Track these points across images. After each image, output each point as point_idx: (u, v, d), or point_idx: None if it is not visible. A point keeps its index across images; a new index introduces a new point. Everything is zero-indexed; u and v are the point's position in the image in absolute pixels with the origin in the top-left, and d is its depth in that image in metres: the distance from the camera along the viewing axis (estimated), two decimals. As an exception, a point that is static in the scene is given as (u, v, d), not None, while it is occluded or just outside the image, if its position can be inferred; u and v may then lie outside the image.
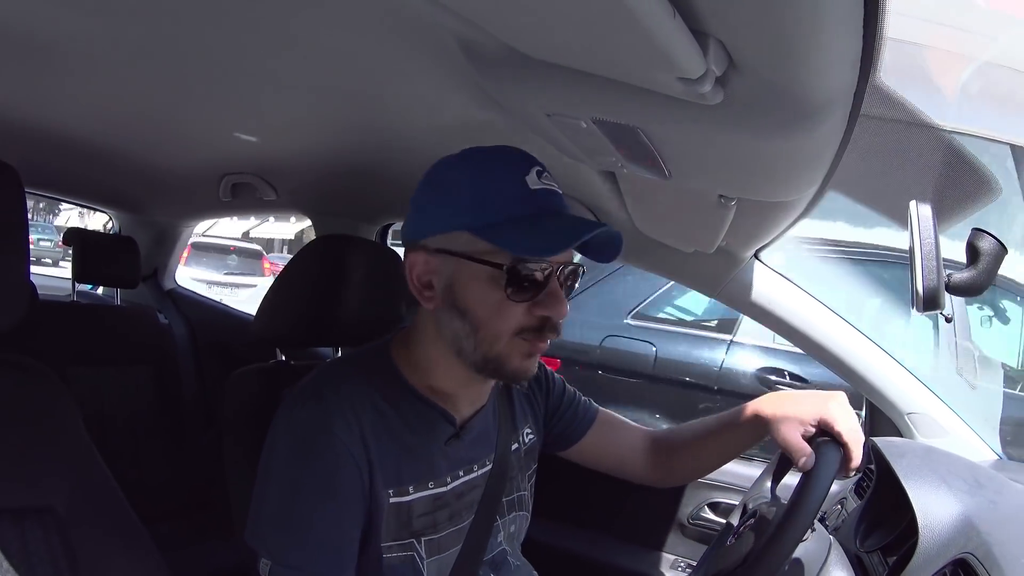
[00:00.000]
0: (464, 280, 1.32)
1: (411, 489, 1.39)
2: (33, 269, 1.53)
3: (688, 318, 5.54)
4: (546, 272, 1.31)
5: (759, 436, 1.67)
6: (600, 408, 1.85)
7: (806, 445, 1.46)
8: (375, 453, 1.34)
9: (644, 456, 1.83)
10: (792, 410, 1.54)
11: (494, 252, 1.28)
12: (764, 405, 1.62)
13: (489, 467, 1.55)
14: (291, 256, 1.88)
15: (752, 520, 1.55)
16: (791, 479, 1.58)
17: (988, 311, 5.12)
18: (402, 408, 1.41)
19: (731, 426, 1.72)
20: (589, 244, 1.34)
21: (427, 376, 1.44)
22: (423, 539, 1.42)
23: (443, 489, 1.45)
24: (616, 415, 1.87)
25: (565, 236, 1.28)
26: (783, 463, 1.66)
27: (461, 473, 1.49)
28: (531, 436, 1.70)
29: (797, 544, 1.33)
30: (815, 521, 1.42)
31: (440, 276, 1.34)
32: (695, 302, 5.45)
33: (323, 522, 1.28)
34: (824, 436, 1.47)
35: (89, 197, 3.52)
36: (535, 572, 1.68)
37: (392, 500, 1.37)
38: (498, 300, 1.30)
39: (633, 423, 1.88)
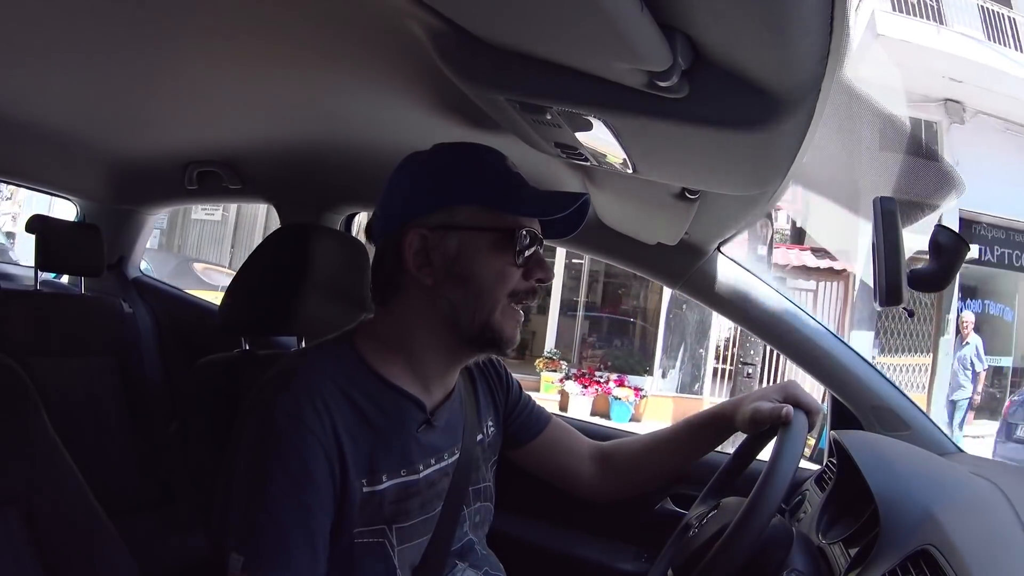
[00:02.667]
0: (469, 250, 1.42)
1: (384, 477, 1.40)
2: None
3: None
4: (537, 239, 1.47)
5: (718, 439, 1.77)
6: (552, 415, 1.90)
7: (779, 405, 1.55)
8: (347, 442, 1.34)
9: (590, 466, 1.87)
10: (756, 395, 1.65)
11: (498, 222, 1.43)
12: (722, 407, 1.76)
13: (457, 456, 1.56)
14: None
15: (715, 511, 1.56)
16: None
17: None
18: (373, 396, 1.42)
19: (687, 433, 1.80)
20: (553, 222, 1.46)
21: (404, 360, 1.47)
22: (394, 526, 1.42)
23: (415, 477, 1.45)
24: (567, 424, 1.92)
25: (560, 200, 1.44)
26: (742, 456, 1.68)
27: (432, 461, 1.50)
28: (492, 429, 1.73)
29: (780, 500, 1.34)
30: (777, 515, 1.43)
31: (440, 250, 1.42)
32: None
33: (295, 513, 1.28)
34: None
35: (53, 184, 3.48)
36: (500, 564, 1.68)
37: (365, 489, 1.37)
38: (501, 266, 1.43)
39: (582, 435, 1.93)
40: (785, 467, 1.37)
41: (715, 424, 1.74)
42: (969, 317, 10.92)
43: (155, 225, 3.59)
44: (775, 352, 2.53)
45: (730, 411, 1.70)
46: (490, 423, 1.72)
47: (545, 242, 1.51)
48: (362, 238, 1.77)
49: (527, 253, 1.44)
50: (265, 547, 1.26)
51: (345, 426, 1.35)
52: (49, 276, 3.45)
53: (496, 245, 1.42)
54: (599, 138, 1.28)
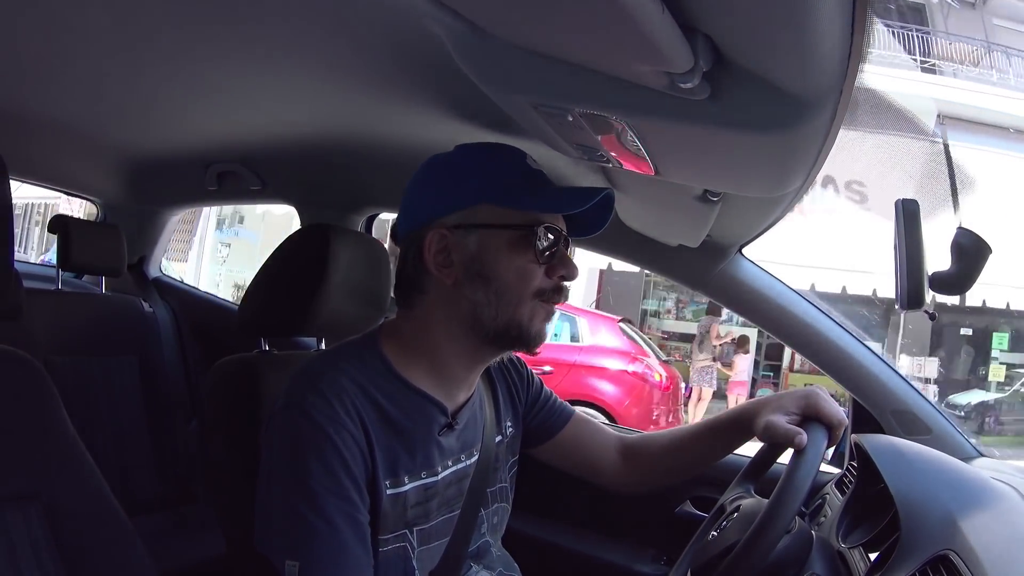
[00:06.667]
0: (489, 248, 1.42)
1: (406, 480, 1.41)
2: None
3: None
4: (560, 236, 1.46)
5: (740, 439, 1.75)
6: (575, 409, 1.88)
7: (795, 428, 1.50)
8: (375, 443, 1.35)
9: (615, 459, 1.86)
10: (775, 403, 1.59)
11: (517, 219, 1.42)
12: (744, 408, 1.72)
13: (476, 457, 1.57)
14: None
15: (735, 514, 1.56)
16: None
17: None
18: (396, 399, 1.42)
19: (709, 432, 1.79)
20: (577, 220, 1.49)
21: (427, 362, 1.47)
22: (415, 529, 1.43)
23: (434, 479, 1.46)
24: (590, 418, 1.91)
25: (581, 195, 1.43)
26: (761, 461, 1.67)
27: (451, 463, 1.50)
28: (511, 429, 1.72)
29: (791, 518, 1.34)
30: (797, 517, 1.42)
31: (460, 250, 1.42)
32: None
33: (344, 510, 1.29)
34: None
35: (74, 184, 3.50)
36: (515, 563, 1.68)
37: (389, 492, 1.38)
38: (522, 264, 1.42)
39: (607, 427, 1.92)
40: (799, 480, 1.36)
41: (737, 425, 1.72)
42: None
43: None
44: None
45: (750, 415, 1.66)
46: (509, 424, 1.71)
47: (571, 241, 1.51)
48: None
49: (548, 251, 1.43)
50: (320, 547, 1.26)
51: (372, 427, 1.36)
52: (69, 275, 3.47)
53: (516, 243, 1.42)
54: (621, 140, 1.28)
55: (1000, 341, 14.10)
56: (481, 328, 1.43)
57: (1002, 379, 14.20)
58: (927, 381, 13.04)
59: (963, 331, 14.84)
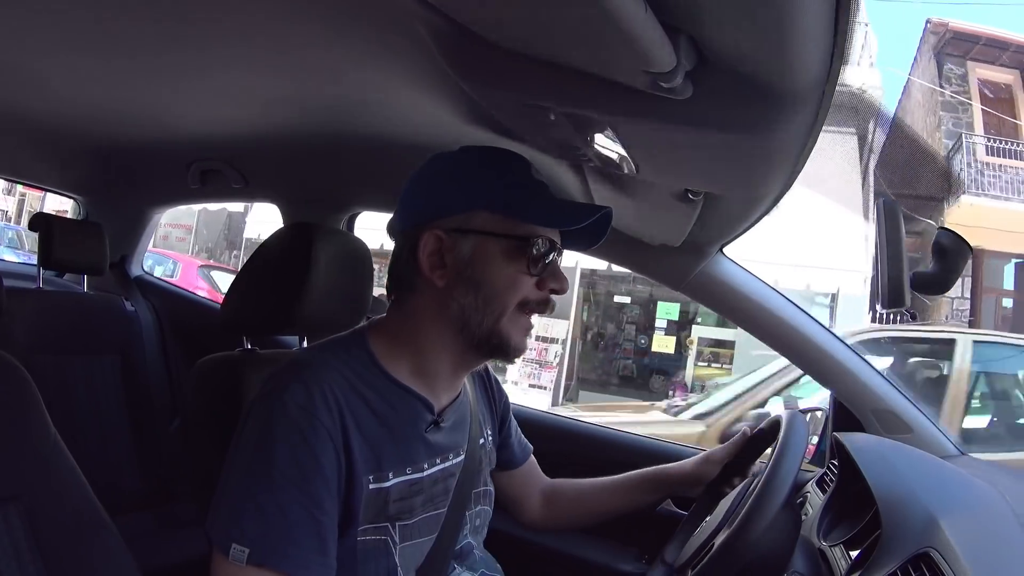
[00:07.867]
0: (484, 255, 1.41)
1: (390, 475, 1.40)
2: None
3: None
4: (554, 249, 1.46)
5: (653, 496, 1.91)
6: (531, 447, 1.96)
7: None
8: (355, 438, 1.34)
9: (539, 500, 1.94)
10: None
11: (514, 229, 1.42)
12: (663, 467, 1.91)
13: (462, 457, 1.57)
14: None
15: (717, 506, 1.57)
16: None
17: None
18: (382, 392, 1.42)
19: (631, 484, 1.92)
20: (572, 232, 1.46)
21: (413, 361, 1.47)
22: (397, 524, 1.41)
23: (419, 475, 1.45)
24: (534, 457, 1.98)
25: (580, 212, 1.45)
26: (728, 472, 1.70)
27: (438, 460, 1.50)
28: (491, 437, 1.74)
29: (787, 492, 1.34)
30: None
31: (454, 253, 1.42)
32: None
33: (305, 504, 1.27)
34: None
35: (55, 182, 3.48)
36: (497, 564, 1.69)
37: (372, 486, 1.37)
38: (513, 272, 1.42)
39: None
40: (788, 465, 1.37)
41: (653, 482, 1.88)
42: None
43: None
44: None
45: (674, 470, 1.85)
46: (489, 431, 1.73)
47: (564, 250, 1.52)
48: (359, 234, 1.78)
49: (541, 263, 1.44)
50: (274, 538, 1.24)
51: (355, 421, 1.35)
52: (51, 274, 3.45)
53: (510, 252, 1.42)
54: (602, 139, 1.28)
55: (668, 311, 14.09)
56: (468, 333, 1.44)
57: (671, 351, 14.19)
58: (551, 341, 13.27)
59: (617, 299, 15.07)
